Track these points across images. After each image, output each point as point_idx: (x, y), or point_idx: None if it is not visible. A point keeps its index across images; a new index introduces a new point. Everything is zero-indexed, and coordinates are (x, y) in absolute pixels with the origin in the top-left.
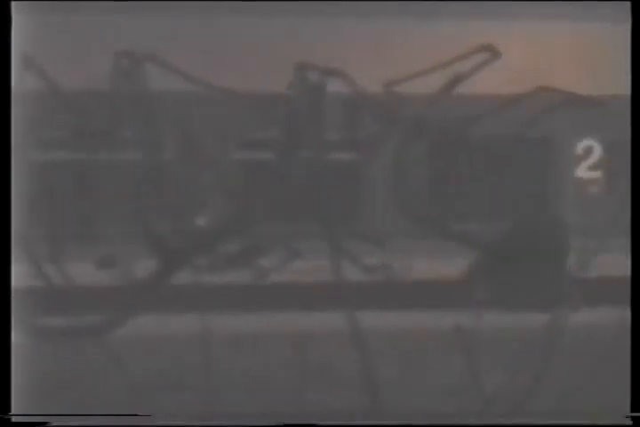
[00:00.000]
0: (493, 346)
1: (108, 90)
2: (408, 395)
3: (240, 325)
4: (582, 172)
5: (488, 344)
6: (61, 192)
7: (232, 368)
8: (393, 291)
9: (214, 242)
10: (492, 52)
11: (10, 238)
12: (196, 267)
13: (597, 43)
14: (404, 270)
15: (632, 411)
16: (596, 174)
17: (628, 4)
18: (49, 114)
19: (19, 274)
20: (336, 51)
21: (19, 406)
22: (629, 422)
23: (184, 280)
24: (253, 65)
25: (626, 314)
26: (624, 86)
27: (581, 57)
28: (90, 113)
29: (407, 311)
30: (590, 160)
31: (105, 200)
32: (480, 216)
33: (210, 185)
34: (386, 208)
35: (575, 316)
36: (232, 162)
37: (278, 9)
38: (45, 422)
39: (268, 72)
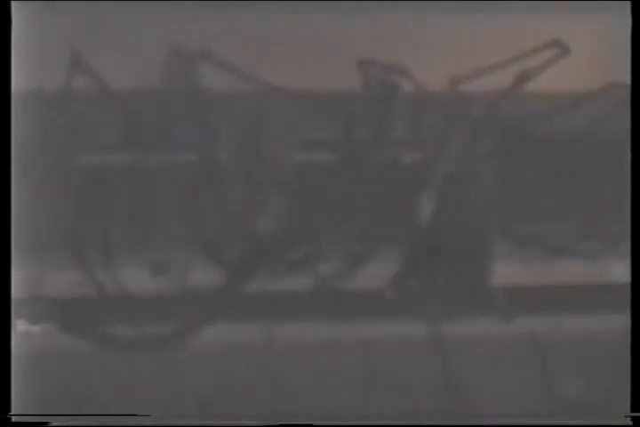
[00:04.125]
0: None
1: (161, 89)
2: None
3: (308, 333)
4: None
5: None
6: (114, 196)
7: (298, 378)
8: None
9: (276, 247)
10: (561, 47)
11: (10, 243)
12: (258, 274)
13: None
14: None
15: (632, 411)
16: None
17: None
18: (100, 115)
19: (70, 281)
20: (399, 47)
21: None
22: (629, 422)
23: (246, 288)
24: (314, 63)
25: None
26: None
27: None
28: (143, 114)
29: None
30: None
31: (162, 205)
32: (553, 218)
33: (270, 188)
34: (451, 209)
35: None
36: (294, 164)
37: (338, 5)
38: (45, 423)
39: (329, 70)
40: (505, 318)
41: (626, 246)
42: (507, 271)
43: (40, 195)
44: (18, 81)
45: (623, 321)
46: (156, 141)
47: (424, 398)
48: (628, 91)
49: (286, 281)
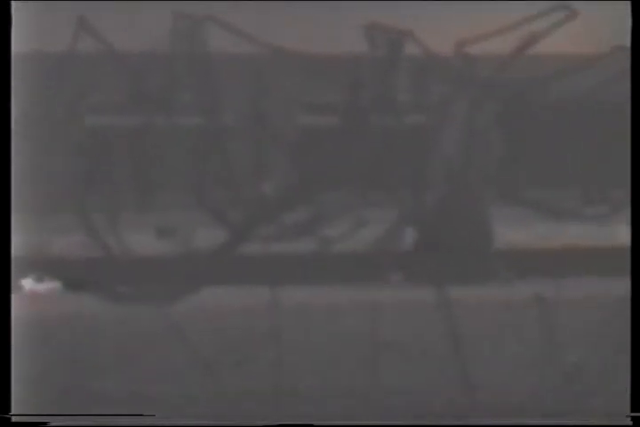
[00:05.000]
0: None
1: (165, 52)
2: None
3: (311, 295)
4: None
5: None
6: (118, 159)
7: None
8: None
9: (278, 211)
10: (568, 11)
11: (10, 236)
12: (260, 237)
13: None
14: None
15: (632, 411)
16: None
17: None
18: (105, 78)
19: (77, 243)
20: (405, 11)
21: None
22: (629, 422)
23: (246, 250)
24: (319, 26)
25: None
26: None
27: None
28: (149, 76)
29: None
30: None
31: (165, 168)
32: (553, 182)
33: (275, 151)
34: (455, 173)
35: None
36: (298, 127)
37: None
38: (45, 422)
39: (335, 33)
40: (509, 281)
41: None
42: (510, 235)
43: (45, 157)
44: (25, 43)
45: (624, 283)
46: (161, 104)
47: (427, 360)
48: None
49: (290, 243)
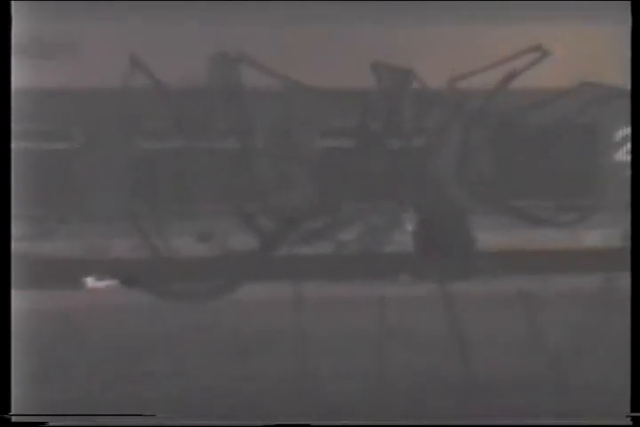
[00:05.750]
0: None
1: (206, 86)
2: None
3: (330, 291)
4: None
5: None
6: (166, 176)
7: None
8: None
9: (302, 219)
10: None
11: (10, 239)
12: (287, 241)
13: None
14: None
15: (632, 411)
16: None
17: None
18: (154, 108)
19: (129, 246)
20: (406, 52)
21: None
22: (629, 422)
23: (275, 253)
24: (334, 64)
25: None
26: None
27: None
28: (191, 107)
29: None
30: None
31: (206, 183)
32: (535, 194)
33: (299, 169)
34: (451, 187)
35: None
36: (318, 149)
37: (354, 15)
38: (45, 422)
39: (347, 70)
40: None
41: (596, 217)
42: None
43: (104, 174)
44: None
45: (596, 281)
46: (201, 130)
47: (432, 349)
48: (598, 89)
49: (311, 247)
